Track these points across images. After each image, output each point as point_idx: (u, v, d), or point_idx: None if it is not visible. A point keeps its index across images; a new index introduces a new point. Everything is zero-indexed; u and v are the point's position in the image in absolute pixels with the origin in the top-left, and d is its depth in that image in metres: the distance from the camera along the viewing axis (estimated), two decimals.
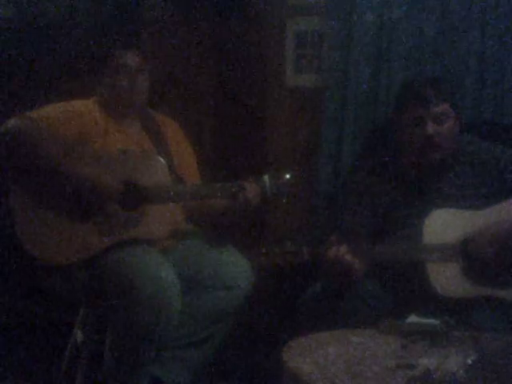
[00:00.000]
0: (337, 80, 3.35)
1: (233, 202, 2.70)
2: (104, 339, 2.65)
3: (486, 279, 2.51)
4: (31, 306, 3.56)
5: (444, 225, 2.57)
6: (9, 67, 3.60)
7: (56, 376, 2.96)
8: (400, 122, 2.69)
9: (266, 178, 2.73)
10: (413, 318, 2.31)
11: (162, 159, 2.75)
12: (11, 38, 3.61)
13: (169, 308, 2.51)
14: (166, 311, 2.50)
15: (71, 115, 2.72)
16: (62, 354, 2.97)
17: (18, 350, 3.40)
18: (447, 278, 2.53)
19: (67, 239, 2.60)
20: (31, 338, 3.46)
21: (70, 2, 3.62)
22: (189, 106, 3.75)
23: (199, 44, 3.75)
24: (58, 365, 2.97)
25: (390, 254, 2.55)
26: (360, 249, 2.54)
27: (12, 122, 2.62)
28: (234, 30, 3.69)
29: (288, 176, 2.74)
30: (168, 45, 3.73)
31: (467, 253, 2.53)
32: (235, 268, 2.77)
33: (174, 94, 3.72)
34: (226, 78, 3.76)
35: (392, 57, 3.25)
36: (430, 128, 2.59)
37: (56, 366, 2.98)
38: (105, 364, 2.62)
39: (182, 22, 3.71)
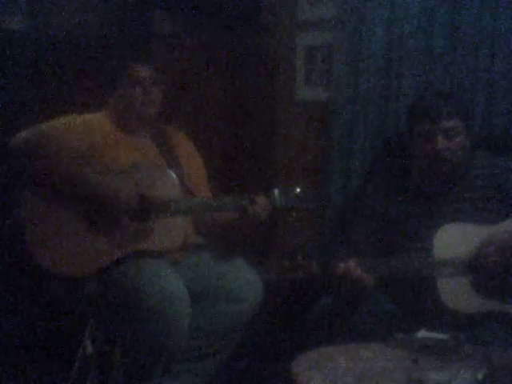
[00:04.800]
0: (346, 94, 3.36)
1: (242, 215, 2.71)
2: (114, 351, 2.65)
3: (497, 294, 2.50)
4: (41, 318, 3.57)
5: (455, 239, 2.56)
6: (21, 79, 3.62)
7: None
8: (410, 136, 2.70)
9: (275, 191, 2.73)
10: (423, 333, 2.31)
11: (172, 172, 2.75)
12: (24, 50, 3.62)
13: (178, 321, 2.51)
14: (175, 324, 2.50)
15: (82, 128, 2.74)
16: (72, 366, 2.97)
17: (27, 362, 3.39)
18: (457, 293, 2.52)
19: (78, 251, 2.60)
20: (40, 350, 3.46)
21: (82, 15, 3.64)
22: (199, 120, 3.77)
23: (209, 58, 3.77)
24: (67, 377, 2.97)
25: (401, 268, 2.55)
26: (370, 263, 2.54)
27: (23, 134, 2.63)
28: (245, 44, 3.70)
29: (298, 190, 2.75)
30: (178, 58, 3.74)
31: (477, 267, 2.52)
32: (245, 281, 2.77)
33: (184, 108, 3.73)
34: (236, 92, 3.77)
35: (402, 71, 3.25)
36: (440, 143, 2.59)
37: (65, 378, 2.98)
38: (114, 376, 2.62)
39: (193, 36, 3.73)
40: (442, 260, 2.55)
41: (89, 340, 2.89)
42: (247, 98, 3.75)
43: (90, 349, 2.86)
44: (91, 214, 2.62)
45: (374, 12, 3.28)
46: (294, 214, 2.76)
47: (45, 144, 2.62)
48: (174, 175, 2.75)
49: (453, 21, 3.19)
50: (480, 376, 1.98)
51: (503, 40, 3.11)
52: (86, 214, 2.62)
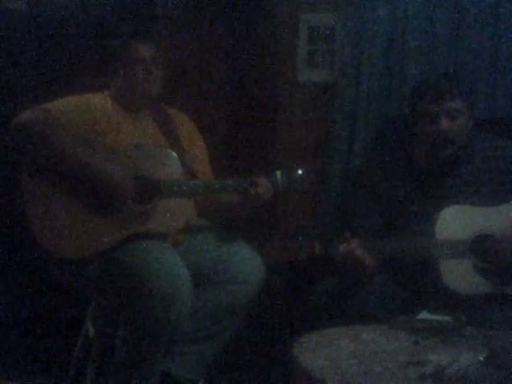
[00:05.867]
0: (349, 75, 3.34)
1: (244, 197, 2.71)
2: (115, 333, 2.65)
3: (499, 276, 2.51)
4: (42, 300, 3.57)
5: (457, 221, 2.57)
6: (21, 60, 3.61)
7: (67, 370, 2.97)
8: (413, 117, 2.69)
9: (277, 173, 2.72)
10: (425, 315, 2.31)
11: (174, 153, 2.75)
12: (23, 30, 3.61)
13: (180, 302, 2.50)
14: (177, 305, 2.50)
15: (85, 108, 2.73)
16: (73, 348, 2.97)
17: (29, 345, 3.40)
18: (459, 275, 2.53)
19: (80, 232, 2.60)
20: (42, 332, 3.47)
21: None
22: (201, 101, 3.75)
23: (211, 38, 3.75)
24: (70, 359, 2.98)
25: (403, 249, 2.55)
26: (372, 244, 2.54)
27: (27, 114, 2.62)
28: (247, 25, 3.68)
29: (300, 172, 2.74)
30: (180, 39, 3.72)
31: (482, 249, 2.52)
32: (247, 262, 2.77)
33: (186, 89, 3.72)
34: (238, 74, 3.76)
35: (405, 52, 3.24)
36: (444, 123, 2.59)
37: (67, 360, 2.99)
38: (116, 358, 2.62)
39: (195, 17, 3.71)
40: (444, 241, 2.56)
41: (90, 322, 2.89)
42: (249, 79, 3.73)
43: (91, 331, 2.86)
44: (93, 196, 2.62)
45: None
46: (296, 196, 2.76)
47: (48, 124, 2.62)
48: (176, 156, 2.74)
49: (456, 2, 3.17)
50: (481, 358, 1.98)
51: (507, 20, 3.09)
52: (88, 195, 2.62)
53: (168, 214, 2.68)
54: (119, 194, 2.61)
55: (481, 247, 2.53)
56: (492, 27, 3.12)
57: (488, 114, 3.12)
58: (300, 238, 2.51)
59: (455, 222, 2.57)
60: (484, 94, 3.14)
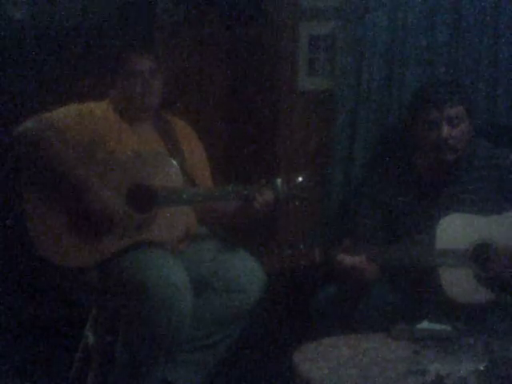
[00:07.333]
0: (349, 83, 3.34)
1: (245, 205, 2.71)
2: (115, 341, 2.65)
3: (500, 285, 2.50)
4: (43, 308, 3.57)
5: (457, 229, 2.57)
6: (21, 69, 3.62)
7: (67, 378, 2.97)
8: (414, 124, 2.69)
9: (278, 181, 2.72)
10: (425, 324, 2.31)
11: (174, 161, 2.75)
12: (23, 40, 3.62)
13: (180, 311, 2.51)
14: (177, 314, 2.50)
15: (85, 117, 2.74)
16: (73, 356, 2.97)
17: (29, 352, 3.40)
18: (459, 283, 2.53)
19: (80, 241, 2.60)
20: (42, 340, 3.46)
21: (82, 4, 3.63)
22: (201, 109, 3.75)
23: (212, 47, 3.75)
24: (70, 366, 2.97)
25: (403, 258, 2.55)
26: (372, 252, 2.54)
27: (28, 124, 2.64)
28: (247, 34, 3.68)
29: (300, 179, 2.74)
30: (180, 48, 3.73)
31: (483, 258, 2.52)
32: (247, 270, 2.77)
33: (187, 97, 3.72)
34: (238, 82, 3.76)
35: (405, 60, 3.23)
36: (445, 130, 2.59)
37: (67, 367, 2.99)
38: (116, 366, 2.62)
39: (195, 26, 3.72)
40: (444, 250, 2.55)
41: (90, 330, 2.89)
42: (249, 88, 3.74)
43: (91, 339, 2.86)
44: (93, 205, 2.62)
45: (378, 1, 3.26)
46: (297, 203, 2.76)
47: (49, 133, 2.63)
48: (177, 164, 2.75)
49: (455, 9, 3.17)
50: (481, 367, 1.98)
51: (507, 27, 3.09)
52: (88, 204, 2.62)
53: (168, 223, 2.68)
54: (107, 223, 2.61)
55: (481, 256, 2.53)
56: (492, 28, 3.11)
57: (488, 115, 3.11)
58: (300, 246, 2.51)
59: (456, 230, 2.57)
60: (484, 94, 3.14)
